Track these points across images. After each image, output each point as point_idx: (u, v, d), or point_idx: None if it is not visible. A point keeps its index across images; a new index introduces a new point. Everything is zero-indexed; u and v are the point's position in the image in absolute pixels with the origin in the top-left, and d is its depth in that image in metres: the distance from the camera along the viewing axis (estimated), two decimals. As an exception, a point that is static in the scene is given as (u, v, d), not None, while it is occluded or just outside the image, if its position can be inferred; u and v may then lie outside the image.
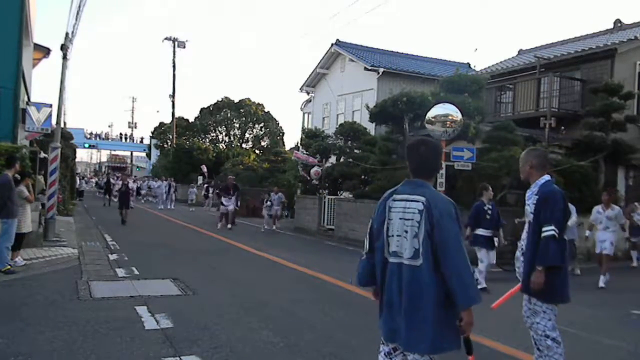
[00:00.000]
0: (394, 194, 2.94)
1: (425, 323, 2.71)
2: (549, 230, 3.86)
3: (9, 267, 8.10)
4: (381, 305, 2.95)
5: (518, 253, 4.29)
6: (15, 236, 8.40)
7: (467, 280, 2.66)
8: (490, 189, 9.02)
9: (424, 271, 2.72)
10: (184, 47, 43.31)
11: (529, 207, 4.10)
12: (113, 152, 75.51)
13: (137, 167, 67.87)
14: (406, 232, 2.79)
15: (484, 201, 8.77)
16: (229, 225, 17.83)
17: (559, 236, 3.88)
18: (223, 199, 18.35)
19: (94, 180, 56.18)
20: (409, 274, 2.76)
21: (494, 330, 5.80)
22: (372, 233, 3.02)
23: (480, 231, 8.63)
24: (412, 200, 2.81)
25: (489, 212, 8.68)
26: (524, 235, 4.22)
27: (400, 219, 2.83)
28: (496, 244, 8.92)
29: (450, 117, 10.43)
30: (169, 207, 29.09)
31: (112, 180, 32.15)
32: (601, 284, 9.21)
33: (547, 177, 4.08)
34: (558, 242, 3.87)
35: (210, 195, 29.76)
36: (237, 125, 46.17)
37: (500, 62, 21.90)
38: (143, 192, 36.60)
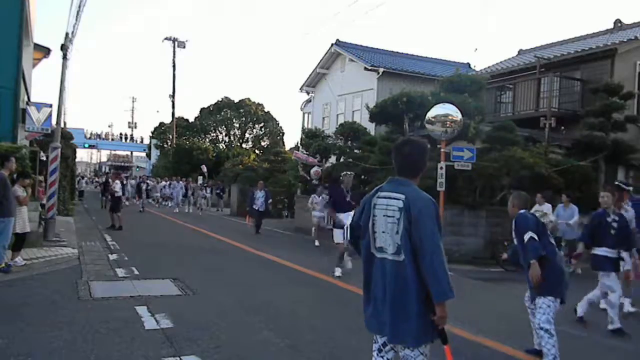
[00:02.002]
0: (379, 191, 3.04)
1: (409, 317, 2.82)
2: (527, 234, 4.79)
3: (3, 265, 8.07)
4: (367, 299, 3.05)
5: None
6: (16, 236, 8.39)
7: (441, 276, 2.76)
8: (623, 188, 6.94)
9: (406, 266, 2.82)
10: (184, 47, 43.28)
11: (517, 238, 5.00)
12: (114, 152, 75.47)
13: (137, 167, 67.90)
14: (389, 228, 2.90)
15: (606, 210, 6.44)
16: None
17: (538, 238, 4.77)
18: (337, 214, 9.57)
19: (98, 180, 52.84)
20: (393, 269, 2.87)
21: (494, 330, 5.80)
22: (353, 227, 3.17)
23: (601, 250, 6.32)
24: (393, 198, 2.92)
25: (614, 224, 6.35)
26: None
27: (384, 216, 2.94)
28: (622, 267, 6.60)
29: (450, 117, 10.43)
30: (186, 210, 26.85)
31: (110, 181, 30.63)
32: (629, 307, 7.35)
33: (521, 211, 5.02)
34: (536, 241, 4.76)
35: (207, 195, 29.55)
36: (237, 125, 46.19)
37: (500, 62, 21.91)
38: (157, 194, 32.53)
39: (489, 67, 21.65)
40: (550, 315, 4.62)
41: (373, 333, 3.04)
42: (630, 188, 7.73)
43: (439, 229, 2.81)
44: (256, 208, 17.13)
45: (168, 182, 32.08)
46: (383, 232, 2.92)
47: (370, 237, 3.00)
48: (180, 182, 29.48)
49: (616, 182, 7.81)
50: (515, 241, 5.09)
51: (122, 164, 69.43)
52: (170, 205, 29.60)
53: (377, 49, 25.48)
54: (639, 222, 7.59)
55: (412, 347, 2.85)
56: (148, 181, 32.43)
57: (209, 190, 29.64)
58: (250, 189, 18.95)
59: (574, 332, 5.90)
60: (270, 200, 16.91)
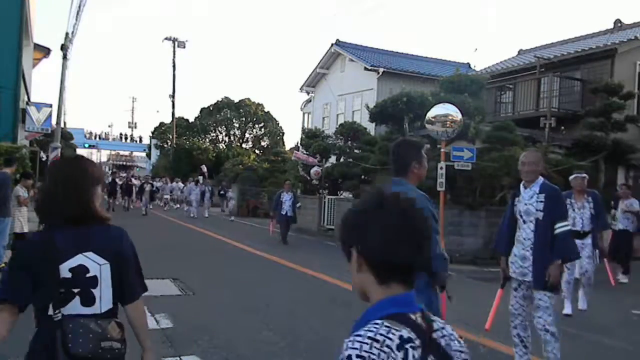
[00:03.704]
0: None
1: None
2: (565, 226, 4.00)
3: (3, 265, 8.07)
4: None
5: (524, 252, 4.18)
6: (15, 236, 8.38)
7: (439, 267, 3.00)
8: None
9: None
10: (184, 47, 43.21)
11: (534, 206, 4.13)
12: (116, 152, 75.25)
13: (138, 167, 67.84)
14: None
15: None
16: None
17: None
18: None
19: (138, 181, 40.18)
20: None
21: (494, 330, 5.79)
22: None
23: None
24: None
25: None
26: (528, 234, 4.21)
27: None
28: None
29: (450, 117, 10.40)
30: (205, 215, 23.83)
31: (117, 181, 28.46)
32: None
33: (542, 178, 4.23)
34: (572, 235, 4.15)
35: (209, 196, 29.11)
36: (237, 125, 46.13)
37: (500, 62, 21.90)
38: (167, 196, 29.64)
39: (489, 67, 21.64)
40: (554, 315, 4.14)
41: None
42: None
43: (433, 226, 2.88)
44: (283, 213, 14.51)
45: (182, 185, 29.03)
46: None
47: None
48: (197, 184, 25.69)
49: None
50: (531, 208, 4.12)
51: (125, 163, 69.22)
52: (186, 209, 25.99)
53: (377, 49, 25.50)
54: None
55: None
56: (153, 182, 29.25)
57: (209, 189, 29.23)
58: (277, 191, 16.53)
59: (574, 331, 5.89)
60: (299, 204, 14.91)
